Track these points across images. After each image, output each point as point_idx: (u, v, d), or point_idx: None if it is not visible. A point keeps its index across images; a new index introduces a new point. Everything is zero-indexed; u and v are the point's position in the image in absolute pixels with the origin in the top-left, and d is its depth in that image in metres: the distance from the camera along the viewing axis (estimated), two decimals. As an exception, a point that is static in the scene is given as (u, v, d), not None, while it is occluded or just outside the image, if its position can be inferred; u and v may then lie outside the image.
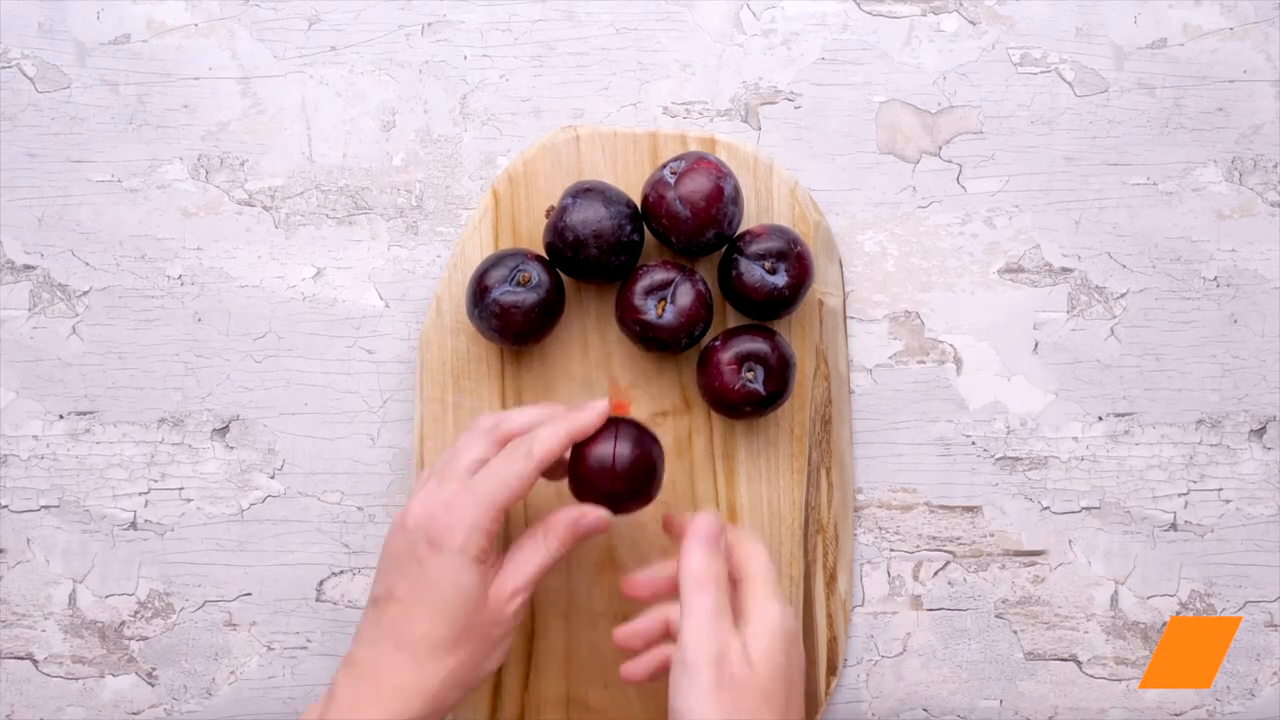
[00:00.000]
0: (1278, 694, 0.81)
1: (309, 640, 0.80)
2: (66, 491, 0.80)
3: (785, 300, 0.74)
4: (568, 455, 0.69)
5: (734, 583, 0.66)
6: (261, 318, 0.80)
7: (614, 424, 0.68)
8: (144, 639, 0.80)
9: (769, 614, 0.64)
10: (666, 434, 0.77)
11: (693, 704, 0.61)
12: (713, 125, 0.80)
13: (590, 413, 0.68)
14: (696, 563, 0.64)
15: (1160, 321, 0.81)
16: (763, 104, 0.81)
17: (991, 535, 0.80)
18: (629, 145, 0.78)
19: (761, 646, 0.63)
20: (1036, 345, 0.81)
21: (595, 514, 0.67)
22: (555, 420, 0.67)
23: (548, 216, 0.75)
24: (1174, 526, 0.81)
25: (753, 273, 0.73)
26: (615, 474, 0.67)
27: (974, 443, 0.80)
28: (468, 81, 0.81)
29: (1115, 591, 0.80)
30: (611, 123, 0.80)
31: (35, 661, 0.80)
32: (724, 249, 0.75)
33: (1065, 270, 0.81)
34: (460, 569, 0.64)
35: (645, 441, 0.69)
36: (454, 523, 0.64)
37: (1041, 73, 0.81)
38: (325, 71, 0.81)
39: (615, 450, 0.68)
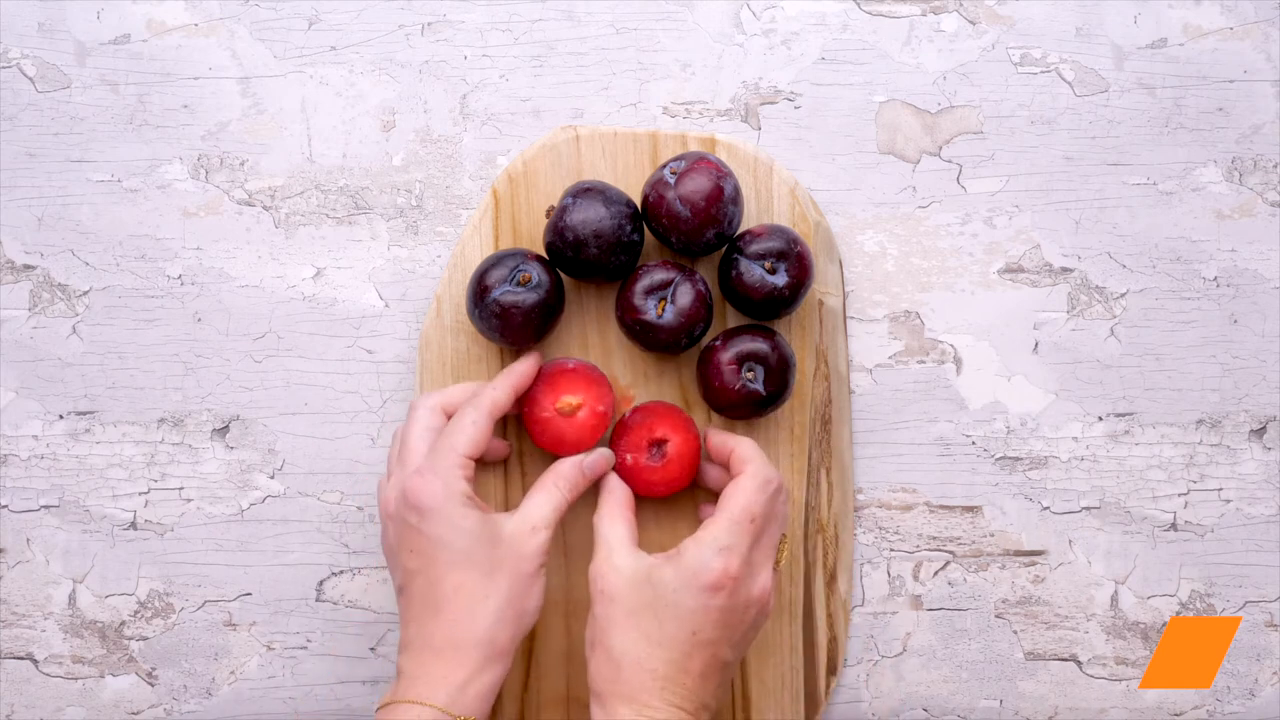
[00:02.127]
0: (1278, 694, 0.81)
1: (309, 640, 0.80)
2: (66, 491, 0.80)
3: (785, 300, 0.74)
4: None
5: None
6: (261, 318, 0.80)
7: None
8: (144, 639, 0.80)
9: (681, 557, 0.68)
10: (666, 434, 0.77)
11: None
12: (713, 125, 0.80)
13: (526, 363, 0.73)
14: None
15: (1160, 321, 0.81)
16: (763, 104, 0.81)
17: (991, 535, 0.80)
18: (629, 145, 0.78)
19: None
20: (1036, 345, 0.81)
21: (597, 454, 0.72)
22: (499, 376, 0.72)
23: (548, 216, 0.75)
24: (1174, 526, 0.81)
25: (753, 272, 0.73)
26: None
27: (974, 443, 0.80)
28: (468, 81, 0.81)
29: (1115, 591, 0.80)
30: (611, 123, 0.80)
31: (35, 661, 0.80)
32: (724, 249, 0.75)
33: (1065, 270, 0.81)
34: (455, 515, 0.66)
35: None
36: (429, 481, 0.67)
37: (1041, 73, 0.81)
38: (325, 71, 0.81)
39: None
